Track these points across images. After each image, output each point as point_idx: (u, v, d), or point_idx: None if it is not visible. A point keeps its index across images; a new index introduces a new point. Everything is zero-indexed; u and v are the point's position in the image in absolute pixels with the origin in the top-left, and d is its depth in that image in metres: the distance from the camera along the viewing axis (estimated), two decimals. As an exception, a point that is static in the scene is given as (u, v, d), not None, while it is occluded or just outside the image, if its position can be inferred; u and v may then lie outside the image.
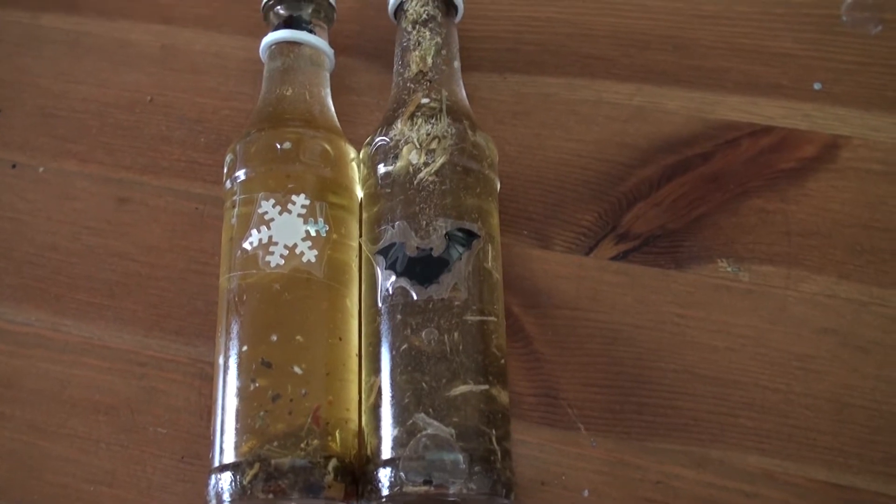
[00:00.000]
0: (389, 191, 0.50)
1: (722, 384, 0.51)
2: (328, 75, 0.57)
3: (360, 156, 0.53)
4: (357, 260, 0.52)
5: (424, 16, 0.55)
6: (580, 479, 0.50)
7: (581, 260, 0.55)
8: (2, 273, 0.58)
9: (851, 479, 0.49)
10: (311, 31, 0.56)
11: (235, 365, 0.47)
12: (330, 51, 0.57)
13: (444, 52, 0.54)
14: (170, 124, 0.62)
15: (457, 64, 0.55)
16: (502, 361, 0.49)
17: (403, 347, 0.47)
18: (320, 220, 0.50)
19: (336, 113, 0.56)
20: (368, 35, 0.63)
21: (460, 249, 0.48)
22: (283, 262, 0.48)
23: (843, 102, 0.58)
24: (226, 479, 0.45)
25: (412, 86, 0.53)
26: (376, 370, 0.48)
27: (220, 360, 0.48)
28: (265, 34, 0.57)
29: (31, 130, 0.63)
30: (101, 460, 0.53)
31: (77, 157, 0.62)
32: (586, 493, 0.50)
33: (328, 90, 0.57)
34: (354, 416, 0.48)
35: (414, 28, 0.55)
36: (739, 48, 0.61)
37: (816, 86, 0.59)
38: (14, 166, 0.62)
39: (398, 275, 0.48)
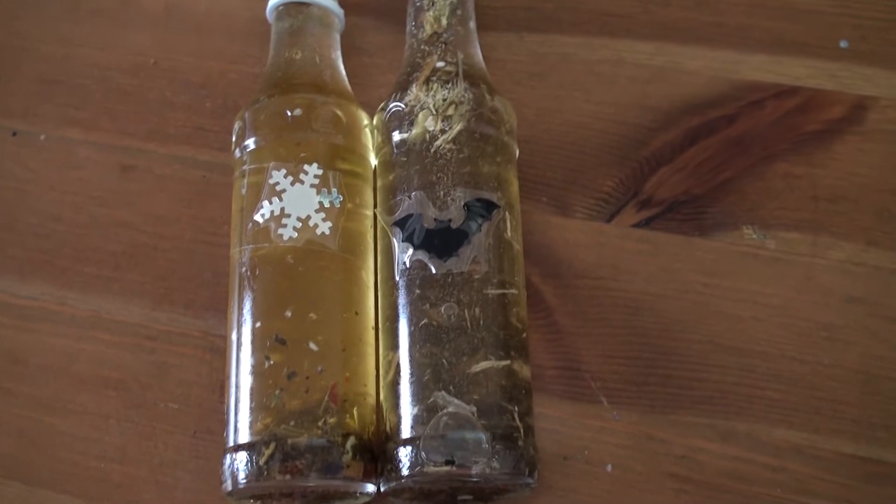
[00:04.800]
0: (405, 159, 0.49)
1: (748, 355, 0.50)
2: (338, 36, 0.55)
3: (374, 122, 0.51)
4: (372, 230, 0.50)
5: (438, -27, 0.53)
6: (603, 453, 0.49)
7: (602, 227, 0.54)
8: (5, 245, 0.57)
9: (879, 451, 0.48)
10: (319, -9, 0.54)
11: (249, 341, 0.46)
12: (339, 10, 0.55)
13: (459, 12, 0.52)
14: (174, 89, 0.60)
15: (472, 24, 0.53)
16: (524, 335, 0.47)
17: (422, 322, 0.46)
18: (334, 190, 0.48)
19: (347, 75, 0.54)
20: (378, -7, 0.61)
21: (479, 221, 0.47)
22: (296, 234, 0.47)
23: (871, 61, 0.57)
24: (241, 459, 0.44)
25: (426, 48, 0.51)
26: (394, 345, 0.46)
27: (233, 336, 0.47)
28: (272, -7, 0.54)
29: (32, 97, 0.61)
30: (112, 437, 0.52)
31: (80, 124, 0.60)
32: (609, 467, 0.49)
33: (338, 52, 0.55)
34: (372, 390, 0.47)
35: (428, -14, 0.53)
36: (762, 4, 0.59)
37: (843, 44, 0.57)
38: (15, 134, 0.60)
39: (416, 247, 0.47)
